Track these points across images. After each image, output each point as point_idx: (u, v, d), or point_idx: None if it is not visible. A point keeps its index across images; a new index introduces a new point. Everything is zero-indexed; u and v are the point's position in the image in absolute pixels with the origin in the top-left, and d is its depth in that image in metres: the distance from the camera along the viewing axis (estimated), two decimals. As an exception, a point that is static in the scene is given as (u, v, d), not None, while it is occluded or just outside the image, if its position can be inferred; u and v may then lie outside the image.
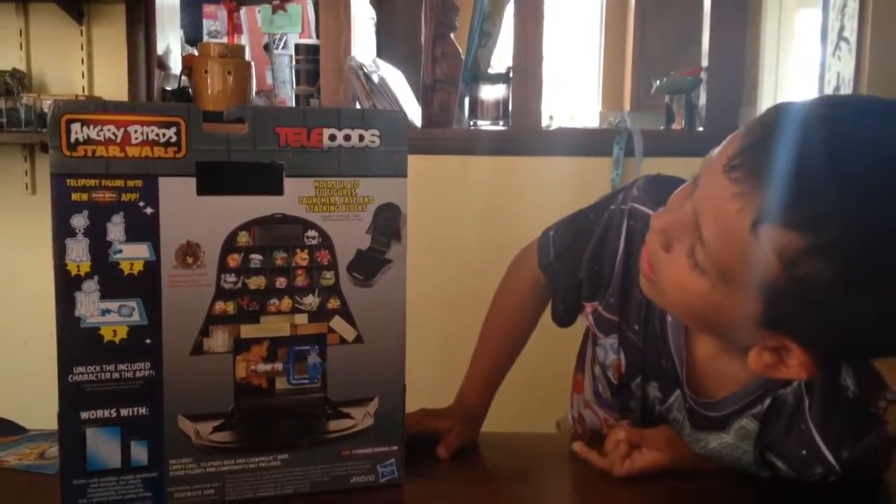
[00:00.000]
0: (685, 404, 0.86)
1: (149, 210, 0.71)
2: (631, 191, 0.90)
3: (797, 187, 0.60)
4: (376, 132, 0.77)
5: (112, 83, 2.46)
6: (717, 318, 0.71)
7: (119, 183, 0.71)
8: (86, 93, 2.44)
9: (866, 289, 0.61)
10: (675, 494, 0.84)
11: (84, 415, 0.72)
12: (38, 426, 1.01)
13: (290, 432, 0.78)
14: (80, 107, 0.69)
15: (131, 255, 0.72)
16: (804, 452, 0.78)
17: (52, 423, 1.07)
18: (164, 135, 0.71)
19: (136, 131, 0.70)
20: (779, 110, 0.65)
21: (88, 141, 0.70)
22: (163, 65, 2.56)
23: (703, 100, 2.45)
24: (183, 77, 2.51)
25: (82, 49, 2.45)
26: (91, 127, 0.69)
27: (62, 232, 0.70)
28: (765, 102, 4.74)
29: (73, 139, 0.69)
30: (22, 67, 2.43)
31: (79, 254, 0.70)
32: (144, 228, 0.72)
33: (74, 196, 0.70)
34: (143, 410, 0.73)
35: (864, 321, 0.63)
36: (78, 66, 2.45)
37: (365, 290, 0.79)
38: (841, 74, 3.53)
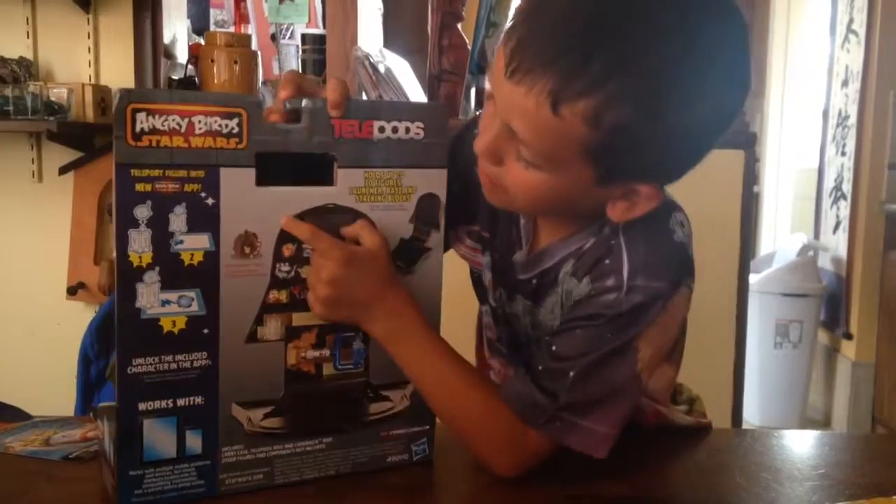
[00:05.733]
0: (524, 285, 0.88)
1: (210, 200, 0.72)
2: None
3: (564, 63, 0.68)
4: (421, 124, 0.79)
5: (119, 72, 2.46)
6: (564, 198, 0.78)
7: (182, 173, 0.70)
8: (92, 82, 2.44)
9: (664, 107, 0.69)
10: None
11: (142, 406, 0.72)
12: (43, 413, 1.01)
13: (336, 416, 0.81)
14: (147, 96, 0.69)
15: (192, 246, 0.72)
16: (607, 262, 0.79)
17: (57, 410, 1.08)
18: (226, 125, 0.71)
19: (199, 121, 0.70)
20: (520, 7, 0.74)
21: (154, 131, 0.69)
22: (169, 54, 2.56)
23: (710, 91, 2.44)
24: (189, 66, 2.51)
25: (89, 38, 2.45)
26: (156, 117, 0.69)
27: (125, 223, 0.69)
28: (773, 93, 4.72)
29: (138, 129, 0.68)
30: (29, 56, 2.43)
31: (141, 245, 0.70)
32: (205, 219, 0.72)
33: (138, 186, 0.69)
34: (198, 400, 0.74)
35: (676, 135, 0.71)
36: (85, 54, 2.45)
37: (406, 277, 0.81)
38: (849, 67, 3.51)
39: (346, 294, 0.77)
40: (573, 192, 0.76)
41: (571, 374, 0.78)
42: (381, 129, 0.78)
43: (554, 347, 0.80)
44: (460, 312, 0.96)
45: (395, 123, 0.79)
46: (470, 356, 1.02)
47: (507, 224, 0.91)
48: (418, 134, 0.80)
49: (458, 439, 0.84)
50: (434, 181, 0.81)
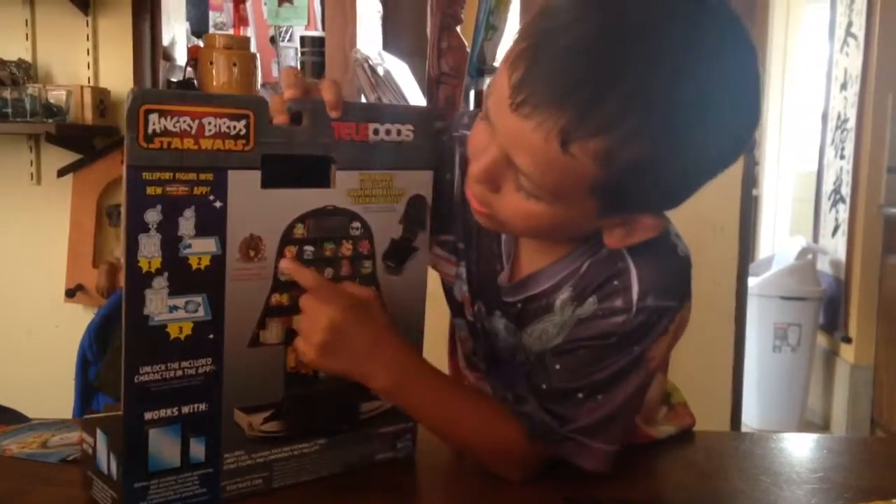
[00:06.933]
0: (508, 307, 0.86)
1: (218, 204, 0.70)
2: (462, 119, 0.90)
3: (577, 100, 0.64)
4: (411, 127, 0.80)
5: (117, 74, 2.46)
6: (563, 227, 0.76)
7: (192, 176, 0.68)
8: (91, 84, 2.43)
9: (678, 145, 0.67)
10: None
11: (148, 415, 0.70)
12: (40, 415, 1.01)
13: (332, 417, 0.81)
14: (160, 97, 0.67)
15: (200, 250, 0.70)
16: (616, 283, 0.78)
17: (54, 413, 1.07)
18: (234, 127, 0.70)
19: (209, 123, 0.69)
20: (526, 32, 0.68)
21: (165, 132, 0.67)
22: (168, 56, 2.56)
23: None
24: (188, 68, 2.51)
25: (88, 40, 2.45)
26: (168, 118, 0.67)
27: (135, 227, 0.67)
28: (772, 97, 4.72)
29: (150, 130, 0.66)
30: (28, 58, 2.43)
31: (150, 250, 0.68)
32: (213, 222, 0.70)
33: (149, 190, 0.67)
34: (202, 407, 0.73)
35: (686, 170, 0.70)
36: (84, 56, 2.45)
37: (395, 277, 0.83)
38: (848, 70, 3.51)
39: (344, 342, 0.75)
40: (573, 222, 0.75)
41: (580, 395, 0.78)
42: (376, 132, 0.78)
43: (558, 367, 0.79)
44: (439, 315, 0.96)
45: (388, 126, 0.79)
46: (443, 360, 1.02)
47: (486, 237, 0.89)
48: (408, 136, 0.80)
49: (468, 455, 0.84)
50: (422, 183, 0.83)
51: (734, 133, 0.71)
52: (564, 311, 0.82)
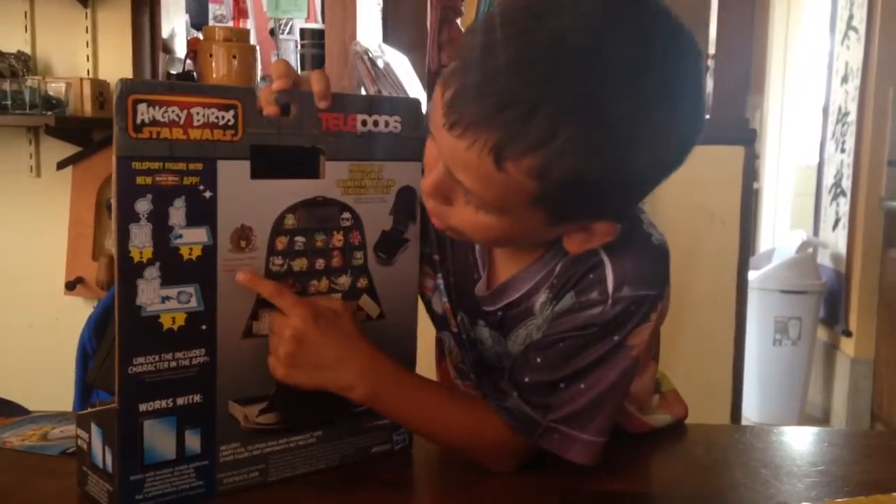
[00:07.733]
0: (489, 316, 0.86)
1: (208, 194, 0.71)
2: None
3: (506, 118, 0.63)
4: (399, 118, 0.81)
5: (117, 66, 2.45)
6: (520, 237, 0.77)
7: (182, 166, 0.69)
8: (90, 76, 2.43)
9: (615, 155, 0.65)
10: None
11: (143, 407, 0.70)
12: (41, 408, 1.01)
13: (326, 408, 0.81)
14: (148, 87, 0.67)
15: (191, 240, 0.70)
16: (591, 276, 0.78)
17: (54, 405, 1.07)
18: (223, 117, 0.70)
19: (198, 113, 0.69)
20: (459, 50, 0.68)
21: (154, 122, 0.67)
22: (168, 48, 2.55)
23: (710, 87, 2.43)
24: (188, 61, 2.50)
25: (87, 32, 2.44)
26: (157, 108, 0.67)
27: (126, 217, 0.67)
28: (772, 90, 4.71)
29: (139, 120, 0.67)
30: (27, 50, 2.42)
31: (142, 240, 0.68)
32: (203, 213, 0.71)
33: (139, 180, 0.67)
34: (197, 398, 0.73)
35: (628, 179, 0.69)
36: (83, 49, 2.45)
37: (386, 268, 0.83)
38: (849, 63, 3.50)
39: (311, 352, 0.75)
40: (527, 231, 0.75)
41: (562, 384, 0.78)
42: (364, 123, 0.79)
43: (539, 360, 0.79)
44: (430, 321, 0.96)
45: (375, 117, 0.79)
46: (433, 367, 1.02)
47: (461, 248, 0.89)
48: (396, 128, 0.81)
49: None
50: (411, 174, 0.83)
51: (678, 140, 0.70)
52: (544, 312, 0.83)
